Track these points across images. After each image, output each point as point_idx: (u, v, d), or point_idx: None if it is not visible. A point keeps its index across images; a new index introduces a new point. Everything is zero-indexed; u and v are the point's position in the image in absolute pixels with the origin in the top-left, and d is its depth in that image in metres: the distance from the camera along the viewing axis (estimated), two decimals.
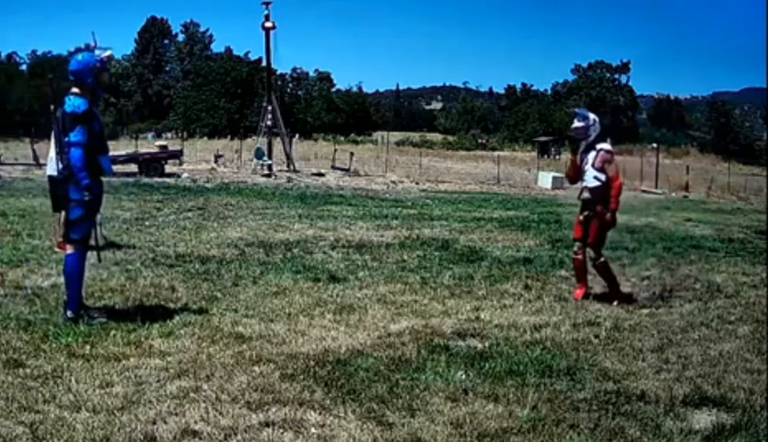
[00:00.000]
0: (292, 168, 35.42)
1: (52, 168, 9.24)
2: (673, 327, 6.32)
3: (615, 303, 7.25)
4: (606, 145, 7.48)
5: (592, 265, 7.51)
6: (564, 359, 5.21)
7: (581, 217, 7.52)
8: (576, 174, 7.60)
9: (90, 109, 5.83)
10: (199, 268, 8.34)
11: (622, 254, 10.51)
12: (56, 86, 7.67)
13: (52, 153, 9.21)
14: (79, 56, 6.07)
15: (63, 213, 9.05)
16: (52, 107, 6.20)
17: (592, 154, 7.41)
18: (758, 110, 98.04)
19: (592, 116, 7.52)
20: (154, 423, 3.88)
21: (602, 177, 7.34)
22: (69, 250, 5.93)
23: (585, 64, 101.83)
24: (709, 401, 4.46)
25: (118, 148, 34.35)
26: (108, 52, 6.33)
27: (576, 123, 7.51)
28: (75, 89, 5.87)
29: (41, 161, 29.21)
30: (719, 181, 42.98)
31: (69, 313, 5.81)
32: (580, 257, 7.55)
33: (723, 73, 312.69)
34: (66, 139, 5.77)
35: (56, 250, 8.90)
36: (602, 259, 7.49)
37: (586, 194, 7.45)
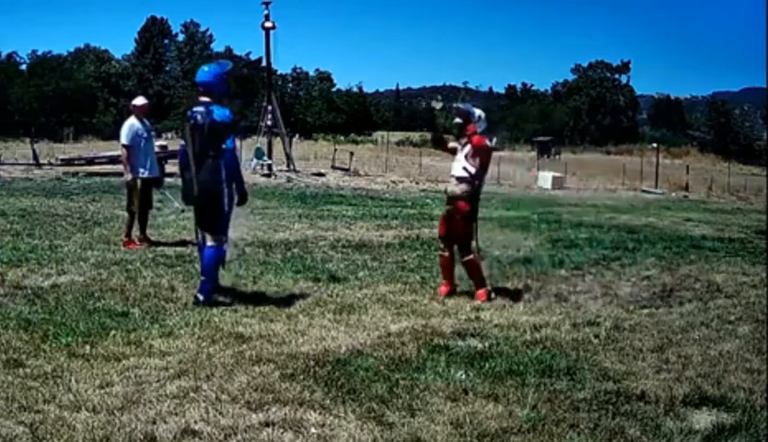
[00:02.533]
0: (292, 167, 35.35)
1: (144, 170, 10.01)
2: (673, 327, 6.31)
3: (481, 299, 7.06)
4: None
5: (461, 263, 7.32)
6: (564, 359, 5.21)
7: (445, 212, 7.35)
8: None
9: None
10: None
11: (623, 254, 10.52)
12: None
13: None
14: (206, 67, 6.72)
15: (130, 215, 9.75)
16: (188, 112, 6.69)
17: (469, 146, 7.12)
18: (758, 110, 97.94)
19: (478, 112, 7.21)
20: (154, 423, 3.88)
21: (472, 169, 7.09)
22: (209, 242, 6.64)
23: (585, 64, 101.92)
24: (709, 401, 4.46)
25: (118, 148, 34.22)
26: (230, 65, 7.20)
27: (458, 120, 7.27)
28: (204, 98, 6.50)
29: (41, 161, 29.21)
30: (719, 181, 43.04)
31: (200, 297, 6.51)
32: (446, 254, 7.39)
33: (723, 73, 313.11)
34: (223, 146, 6.48)
35: (125, 248, 9.43)
36: (470, 256, 7.23)
37: (451, 187, 7.25)
